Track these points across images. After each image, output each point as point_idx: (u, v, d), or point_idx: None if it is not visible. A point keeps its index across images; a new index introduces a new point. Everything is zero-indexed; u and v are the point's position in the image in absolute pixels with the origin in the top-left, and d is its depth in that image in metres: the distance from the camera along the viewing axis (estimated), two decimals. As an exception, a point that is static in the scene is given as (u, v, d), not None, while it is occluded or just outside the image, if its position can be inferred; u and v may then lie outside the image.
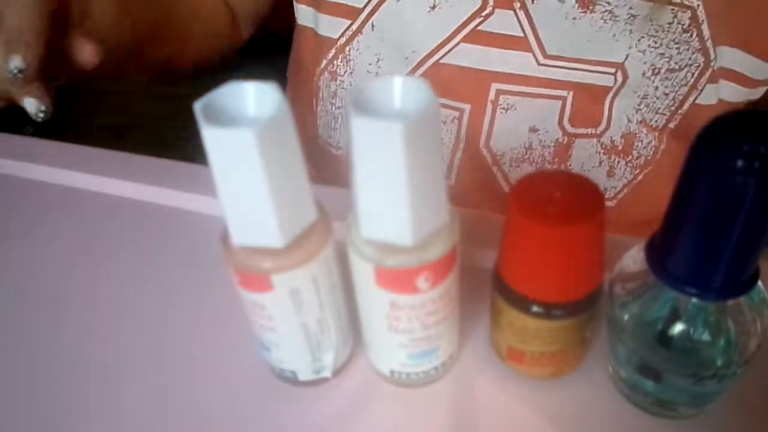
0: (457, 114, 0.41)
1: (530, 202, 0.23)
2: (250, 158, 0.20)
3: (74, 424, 0.28)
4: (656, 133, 0.41)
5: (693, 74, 0.38)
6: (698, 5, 0.35)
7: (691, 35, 0.36)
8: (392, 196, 0.21)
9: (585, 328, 0.26)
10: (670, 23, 0.36)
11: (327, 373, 0.29)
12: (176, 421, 0.28)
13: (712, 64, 0.37)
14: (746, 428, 0.27)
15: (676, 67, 0.38)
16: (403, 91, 0.21)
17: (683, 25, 0.36)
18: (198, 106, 0.20)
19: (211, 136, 0.20)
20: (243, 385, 0.29)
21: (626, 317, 0.25)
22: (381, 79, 0.21)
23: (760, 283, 0.22)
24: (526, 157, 0.42)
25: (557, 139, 0.41)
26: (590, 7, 0.36)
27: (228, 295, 0.27)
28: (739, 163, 0.18)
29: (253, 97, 0.22)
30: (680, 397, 0.26)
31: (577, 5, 0.36)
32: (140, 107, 1.57)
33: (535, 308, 0.25)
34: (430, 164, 0.21)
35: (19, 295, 0.35)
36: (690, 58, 0.37)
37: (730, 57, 0.38)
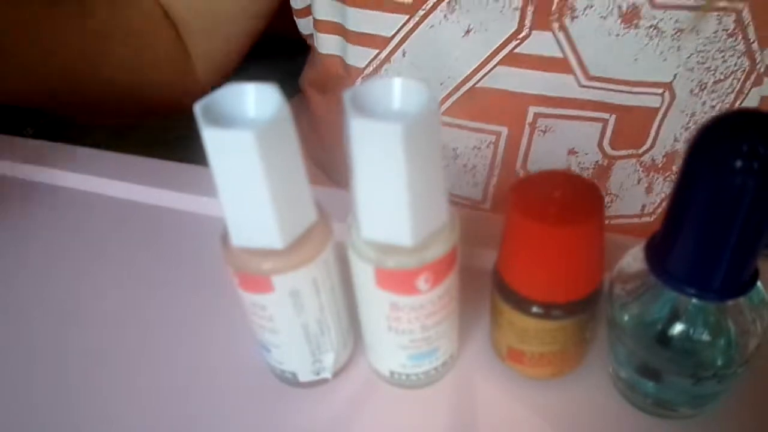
0: (493, 138, 0.40)
1: (530, 202, 0.23)
2: (250, 159, 0.20)
3: (73, 424, 0.29)
4: None
5: (739, 79, 0.36)
6: (743, 7, 0.34)
7: (735, 39, 0.35)
8: (392, 197, 0.21)
9: (585, 328, 0.26)
10: (715, 32, 0.35)
11: (327, 374, 0.29)
12: (175, 421, 0.28)
13: (758, 66, 0.36)
14: (746, 428, 0.27)
15: (722, 77, 0.36)
16: (402, 92, 0.21)
17: (728, 30, 0.35)
18: (198, 107, 0.20)
19: (211, 136, 0.20)
20: (242, 386, 0.29)
21: (626, 317, 0.25)
22: (380, 81, 0.21)
23: (759, 283, 0.22)
24: None
25: (597, 162, 0.40)
26: (634, 22, 0.34)
27: (228, 296, 0.27)
28: (739, 163, 0.18)
29: (253, 98, 0.22)
30: (680, 398, 0.26)
31: (620, 20, 0.34)
32: (140, 107, 1.57)
33: (535, 308, 0.25)
34: (430, 164, 0.21)
35: (18, 296, 0.35)
36: (735, 64, 0.36)
37: None
